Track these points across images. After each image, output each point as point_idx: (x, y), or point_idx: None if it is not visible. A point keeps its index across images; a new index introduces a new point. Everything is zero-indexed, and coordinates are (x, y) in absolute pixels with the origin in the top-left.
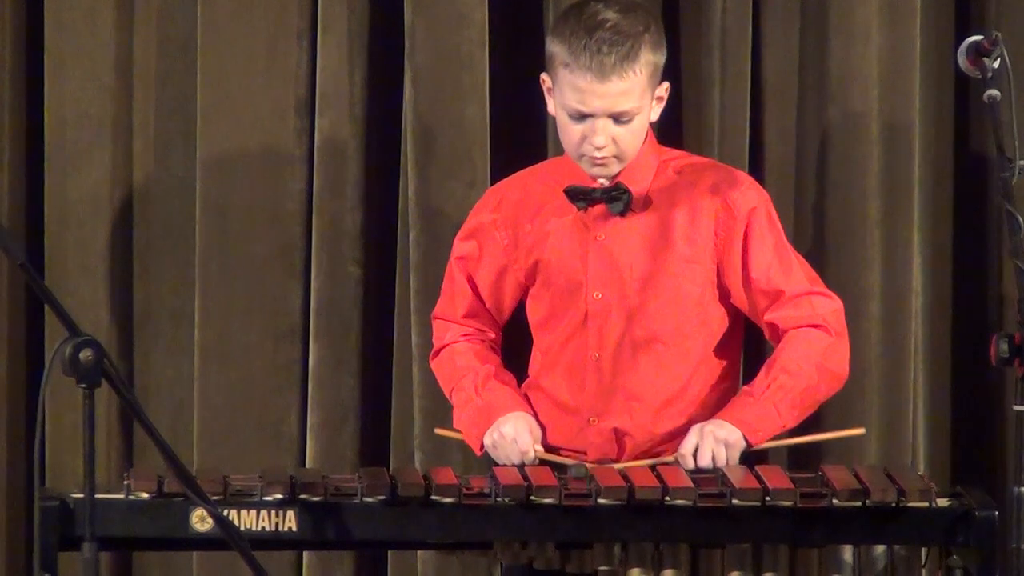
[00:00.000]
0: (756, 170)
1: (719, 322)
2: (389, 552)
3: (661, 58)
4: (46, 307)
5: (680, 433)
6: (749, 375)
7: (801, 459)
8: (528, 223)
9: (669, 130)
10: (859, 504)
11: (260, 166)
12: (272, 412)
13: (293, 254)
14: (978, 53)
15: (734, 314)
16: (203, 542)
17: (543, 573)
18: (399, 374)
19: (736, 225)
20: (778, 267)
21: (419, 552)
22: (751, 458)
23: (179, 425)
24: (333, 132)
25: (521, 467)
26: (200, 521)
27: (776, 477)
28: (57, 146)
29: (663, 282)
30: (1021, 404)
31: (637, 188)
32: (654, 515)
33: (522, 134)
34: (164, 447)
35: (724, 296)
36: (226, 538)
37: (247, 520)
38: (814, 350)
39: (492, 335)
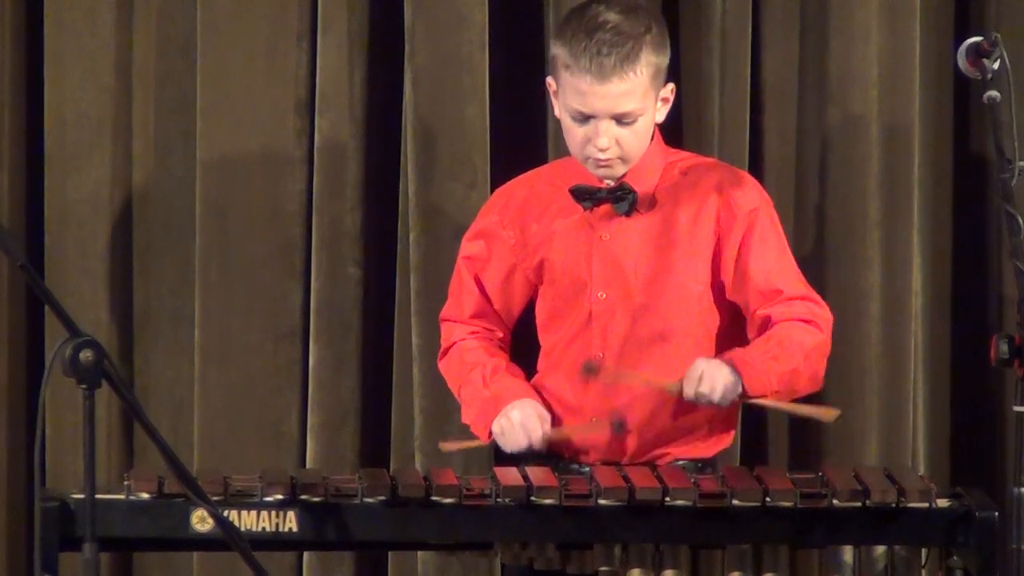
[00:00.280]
0: (756, 171)
1: (719, 319)
2: (389, 553)
3: (664, 59)
4: (46, 308)
5: (683, 431)
6: None
7: (801, 459)
8: (534, 223)
9: (669, 131)
10: (859, 505)
11: (260, 167)
12: (272, 413)
13: (293, 255)
14: (978, 54)
15: (733, 310)
16: (203, 543)
17: (543, 573)
18: (399, 375)
19: (736, 224)
20: (778, 270)
21: (419, 553)
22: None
23: (179, 426)
24: (333, 133)
25: (522, 467)
26: (200, 522)
27: (776, 478)
28: (57, 147)
29: (667, 281)
30: (1021, 405)
31: (642, 188)
32: (654, 516)
33: (522, 135)
34: (164, 447)
35: (720, 292)
36: (226, 539)
37: (247, 521)
38: (806, 341)
39: (500, 334)
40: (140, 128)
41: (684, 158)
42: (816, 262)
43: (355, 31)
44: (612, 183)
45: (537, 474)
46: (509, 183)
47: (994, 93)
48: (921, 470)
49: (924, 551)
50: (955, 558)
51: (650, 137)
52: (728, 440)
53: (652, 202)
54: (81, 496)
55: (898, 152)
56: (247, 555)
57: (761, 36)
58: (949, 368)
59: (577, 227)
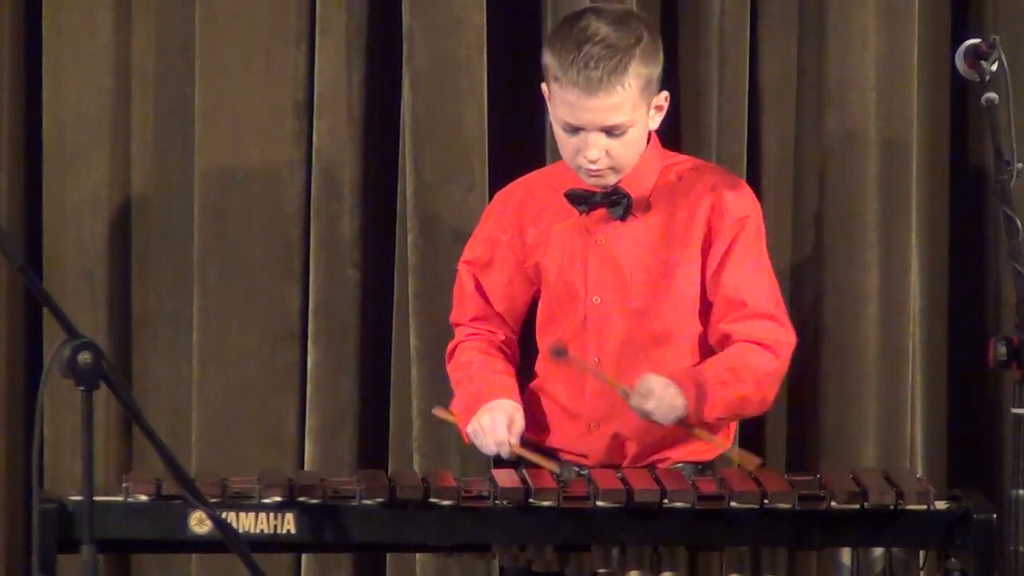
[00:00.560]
0: (754, 174)
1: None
2: (388, 555)
3: (656, 69)
4: (44, 309)
5: (683, 435)
6: None
7: (799, 462)
8: (531, 225)
9: (667, 134)
10: (857, 507)
11: (258, 169)
12: (271, 415)
13: (291, 257)
14: (976, 56)
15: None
16: (202, 544)
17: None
18: (398, 377)
19: (724, 228)
20: (751, 283)
21: (418, 555)
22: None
23: (178, 428)
24: (331, 135)
25: (519, 469)
26: (199, 523)
27: (774, 480)
28: (56, 149)
29: (663, 285)
30: (1019, 407)
31: (638, 192)
32: (652, 518)
33: (520, 137)
34: (163, 449)
35: (701, 301)
36: (225, 540)
37: (246, 522)
38: (760, 366)
39: (502, 336)
40: (139, 130)
41: (681, 161)
42: (814, 265)
43: (353, 33)
44: (607, 188)
45: (536, 476)
46: (508, 186)
47: (992, 95)
48: (919, 472)
49: (922, 553)
50: (953, 560)
51: (643, 145)
52: (728, 443)
53: (647, 206)
54: (79, 498)
55: (896, 155)
56: (245, 557)
57: (759, 39)
58: (947, 370)
59: (572, 231)
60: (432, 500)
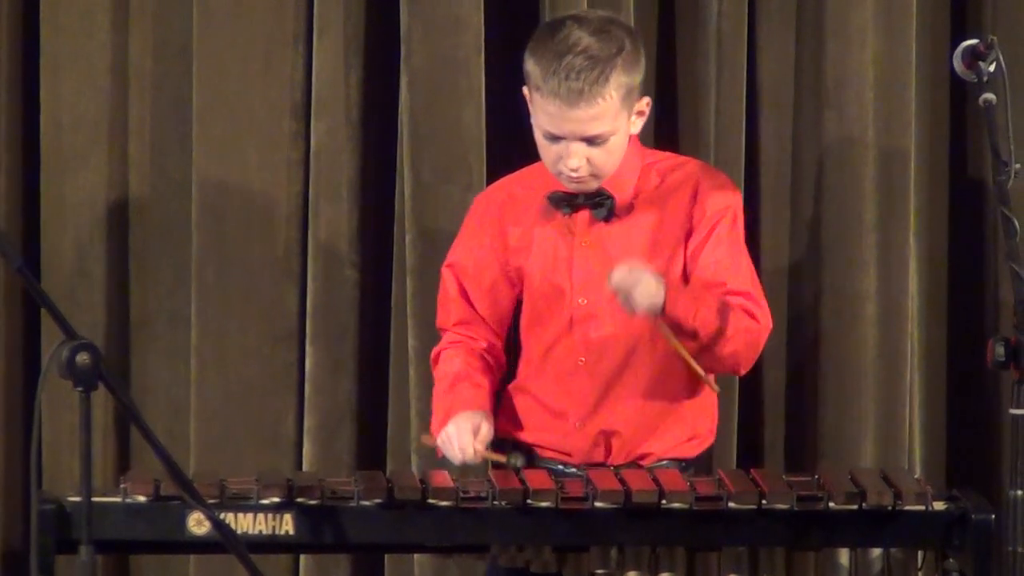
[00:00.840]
0: (752, 175)
1: None
2: (386, 555)
3: (637, 77)
4: (43, 310)
5: (665, 431)
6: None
7: (797, 462)
8: (513, 227)
9: (665, 135)
10: (855, 507)
11: (256, 170)
12: (269, 415)
13: (290, 257)
14: (974, 57)
15: None
16: (200, 545)
17: None
18: (396, 377)
19: (705, 220)
20: (729, 265)
21: (416, 555)
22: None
23: (176, 428)
24: (329, 136)
25: (518, 472)
26: (197, 524)
27: (772, 480)
28: (53, 149)
29: None
30: (1017, 407)
31: (620, 193)
32: (651, 518)
33: (518, 138)
34: (161, 450)
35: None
36: (223, 541)
37: (244, 523)
38: (742, 320)
39: (484, 343)
40: (136, 131)
41: (662, 159)
42: (812, 265)
43: (351, 34)
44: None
45: (534, 477)
46: (487, 189)
47: (990, 96)
48: (917, 472)
49: (920, 553)
50: (951, 560)
51: (624, 150)
52: (711, 440)
53: (631, 207)
54: (78, 499)
55: (894, 155)
56: (243, 558)
57: (757, 40)
58: (945, 371)
59: (556, 233)
60: (430, 501)
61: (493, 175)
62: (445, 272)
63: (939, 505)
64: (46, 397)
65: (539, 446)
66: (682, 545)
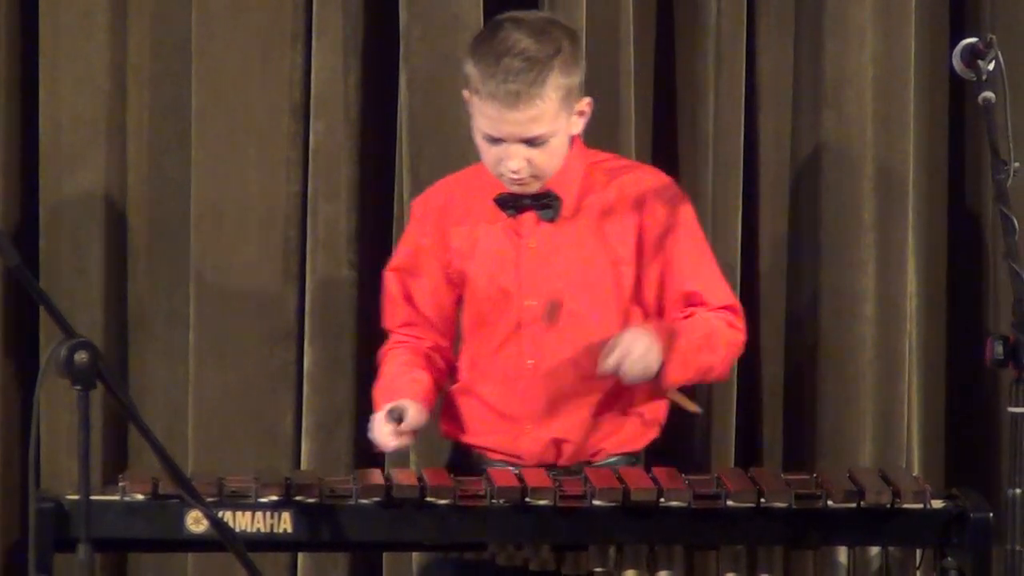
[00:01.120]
0: (751, 174)
1: (641, 321)
2: (384, 554)
3: (576, 78)
4: (41, 309)
5: (616, 428)
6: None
7: (796, 461)
8: (454, 229)
9: (664, 134)
10: (854, 505)
11: (255, 169)
12: (267, 414)
13: (288, 257)
14: (973, 55)
15: (651, 312)
16: (198, 543)
17: (538, 574)
18: None
19: (664, 235)
20: (706, 277)
21: (414, 553)
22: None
23: (174, 427)
24: (328, 135)
25: (518, 470)
26: (195, 523)
27: (771, 479)
28: (52, 148)
29: (596, 287)
30: (1015, 406)
31: (566, 194)
32: (649, 517)
33: None
34: (159, 449)
35: (641, 295)
36: (221, 540)
37: (242, 522)
38: (728, 337)
39: (430, 342)
40: (135, 130)
41: (604, 159)
42: (811, 264)
43: (350, 33)
44: (536, 190)
45: (532, 475)
46: (426, 192)
47: (989, 94)
48: (916, 471)
49: (918, 552)
50: (949, 559)
51: (565, 151)
52: (657, 431)
53: (577, 208)
54: (76, 497)
55: (893, 154)
56: (242, 556)
57: (756, 39)
58: (944, 369)
59: (502, 235)
60: (428, 499)
61: None
62: (388, 276)
63: (937, 504)
64: (44, 396)
65: (488, 449)
66: (680, 543)
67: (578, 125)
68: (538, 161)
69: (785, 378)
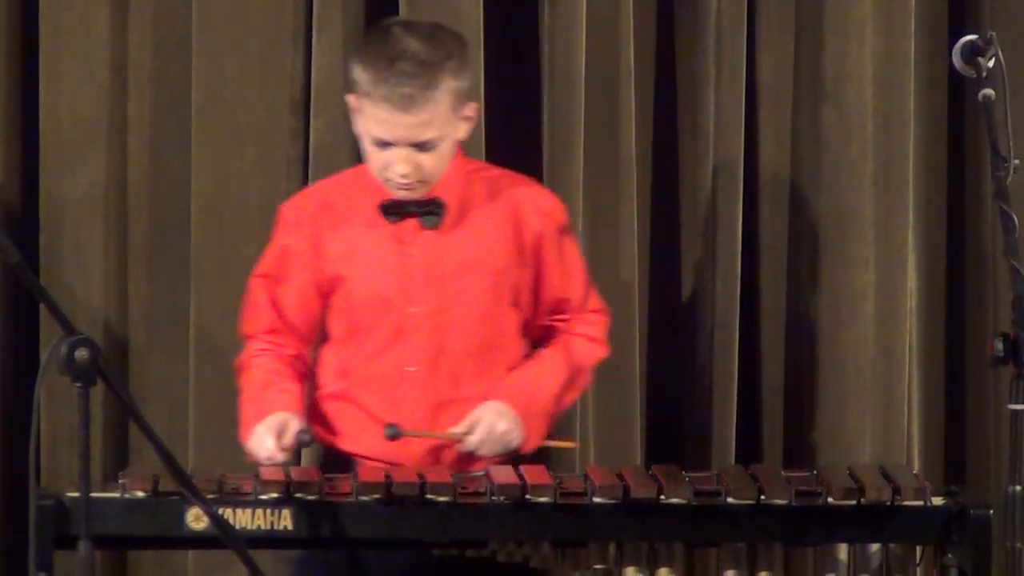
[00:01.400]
0: (751, 170)
1: (519, 327)
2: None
3: (466, 82)
4: (41, 306)
5: None
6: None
7: (796, 458)
8: (329, 235)
9: (664, 132)
10: (854, 503)
11: (255, 166)
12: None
13: None
14: (973, 53)
15: (525, 319)
16: (199, 541)
17: (538, 572)
18: None
19: (534, 236)
20: (573, 283)
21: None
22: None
23: (175, 424)
24: (328, 133)
25: (516, 468)
26: (196, 520)
27: (771, 476)
28: (52, 146)
29: (478, 294)
30: (1015, 403)
31: (450, 199)
32: (649, 514)
33: (517, 134)
34: (160, 446)
35: (517, 301)
36: (222, 537)
37: (242, 519)
38: (591, 364)
39: (293, 351)
40: (135, 127)
41: (480, 168)
42: (811, 261)
43: (350, 31)
44: (420, 197)
45: (532, 473)
46: (296, 197)
47: (989, 91)
48: (916, 468)
49: (919, 549)
50: (950, 556)
51: (452, 156)
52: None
53: (459, 215)
54: (76, 494)
55: (893, 151)
56: (242, 553)
57: (756, 36)
58: (944, 366)
59: (383, 242)
60: (428, 496)
61: None
62: (255, 282)
63: (938, 501)
64: (45, 393)
65: (366, 457)
66: (681, 541)
67: (464, 130)
68: (426, 166)
69: (785, 375)
